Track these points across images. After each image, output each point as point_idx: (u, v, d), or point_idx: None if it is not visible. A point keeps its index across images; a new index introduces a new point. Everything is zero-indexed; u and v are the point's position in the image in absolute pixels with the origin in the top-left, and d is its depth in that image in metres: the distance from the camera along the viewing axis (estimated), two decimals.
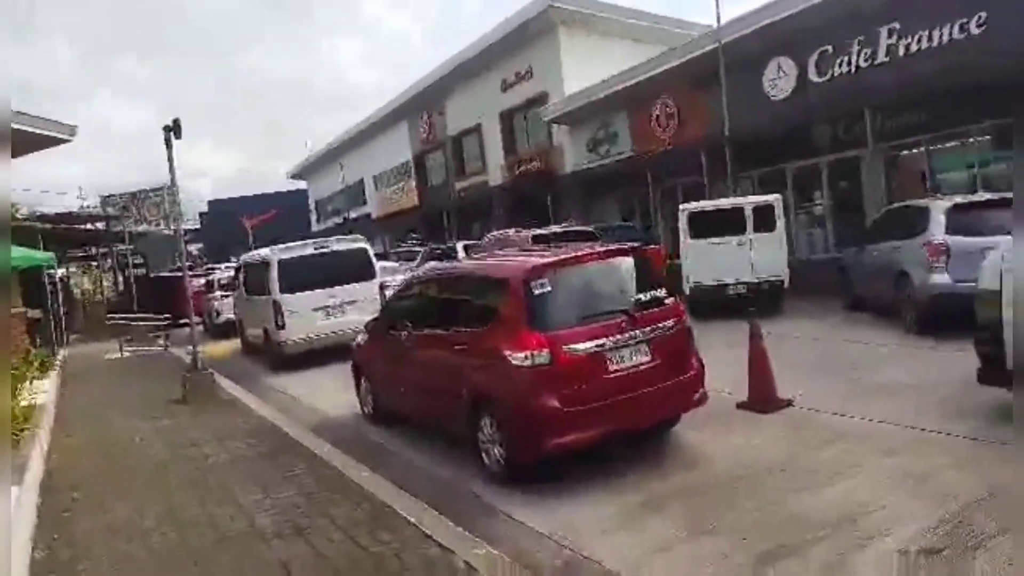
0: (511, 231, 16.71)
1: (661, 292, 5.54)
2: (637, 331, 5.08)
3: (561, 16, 24.25)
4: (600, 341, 4.95)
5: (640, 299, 5.35)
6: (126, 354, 16.01)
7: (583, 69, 24.16)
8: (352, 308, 12.02)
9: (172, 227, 58.44)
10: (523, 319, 4.97)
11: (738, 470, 5.06)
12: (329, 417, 8.21)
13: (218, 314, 18.24)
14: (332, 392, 9.61)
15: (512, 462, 5.09)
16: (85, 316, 24.71)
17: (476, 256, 9.74)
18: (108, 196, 50.53)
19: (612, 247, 5.89)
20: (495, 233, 17.22)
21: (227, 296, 18.42)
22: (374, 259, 12.45)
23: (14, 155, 20.27)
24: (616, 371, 4.99)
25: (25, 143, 18.66)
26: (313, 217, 55.73)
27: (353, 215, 44.39)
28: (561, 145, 25.75)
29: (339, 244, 12.22)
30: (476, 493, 5.21)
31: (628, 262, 5.61)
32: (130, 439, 7.60)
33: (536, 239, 16.77)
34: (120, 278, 28.84)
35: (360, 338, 7.88)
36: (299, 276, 11.79)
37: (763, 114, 17.08)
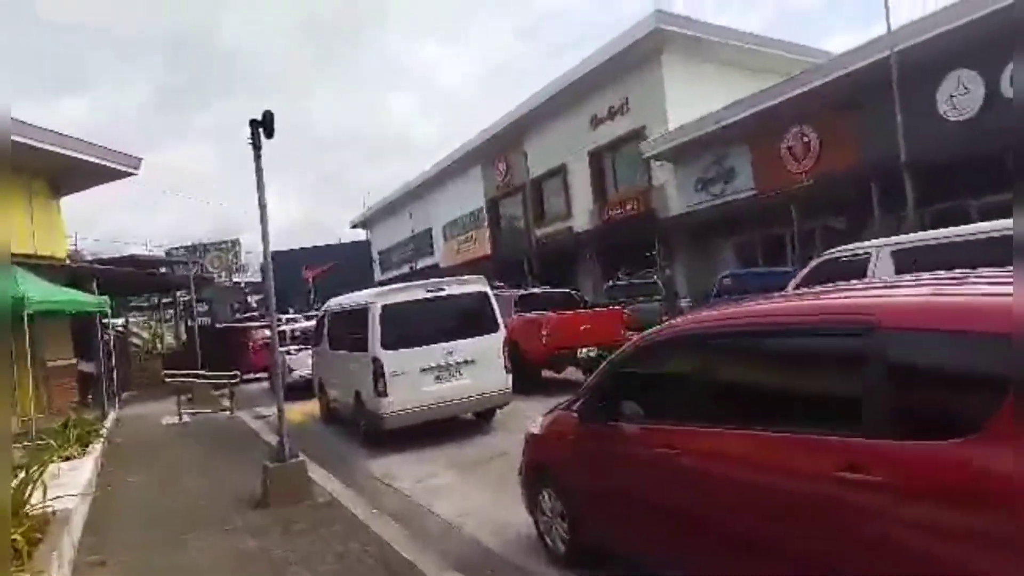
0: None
1: None
2: None
3: (667, 41, 21.91)
4: None
5: None
6: (185, 418, 13.61)
7: (688, 101, 21.76)
8: (469, 370, 9.33)
9: (235, 278, 58.00)
10: None
11: None
12: (486, 548, 5.38)
13: (290, 370, 15.81)
14: (463, 492, 6.88)
15: None
16: (142, 370, 22.68)
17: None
18: (172, 249, 50.09)
19: None
20: None
21: (301, 350, 16.01)
22: (496, 306, 9.77)
23: (81, 188, 18.73)
24: None
25: (90, 175, 17.06)
26: (376, 268, 54.12)
27: (420, 265, 42.49)
28: (663, 185, 23.12)
29: (454, 286, 9.60)
30: None
31: None
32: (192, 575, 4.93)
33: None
34: (182, 328, 27.00)
35: (538, 427, 5.12)
36: (406, 327, 9.21)
37: (936, 138, 14.12)
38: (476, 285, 9.80)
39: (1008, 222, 6.62)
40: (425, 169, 41.60)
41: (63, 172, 16.08)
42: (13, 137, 13.36)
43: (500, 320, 9.73)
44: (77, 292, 13.07)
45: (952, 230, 7.30)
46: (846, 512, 2.69)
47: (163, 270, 23.59)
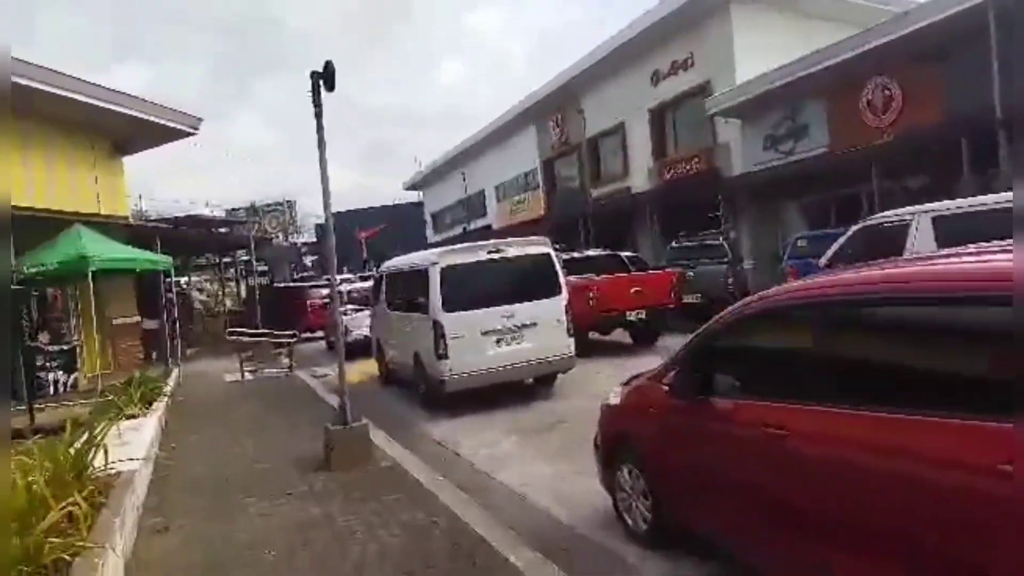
0: None
1: None
2: None
3: None
4: None
5: None
6: (247, 376, 13.74)
7: (757, 54, 20.54)
8: (531, 333, 9.00)
9: (291, 239, 58.93)
10: None
11: None
12: (556, 520, 5.09)
13: (347, 331, 15.78)
14: (526, 461, 6.60)
15: None
16: (205, 328, 23.19)
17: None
18: (232, 210, 50.95)
19: None
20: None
21: (358, 310, 15.98)
22: (560, 269, 9.37)
23: (145, 147, 18.96)
24: None
25: (151, 134, 17.17)
26: (429, 229, 54.20)
27: (473, 227, 42.26)
28: (728, 144, 22.07)
29: (517, 247, 9.22)
30: None
31: None
32: (256, 545, 4.78)
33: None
34: (243, 288, 27.44)
35: (617, 397, 4.74)
36: (467, 289, 8.91)
37: None
38: (539, 246, 9.40)
39: None
40: (478, 130, 41.05)
41: (126, 132, 16.21)
42: (75, 95, 13.50)
43: (563, 283, 9.33)
44: (140, 251, 13.21)
45: (993, 197, 6.94)
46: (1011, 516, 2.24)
47: (224, 230, 23.90)
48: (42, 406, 10.15)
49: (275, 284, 25.18)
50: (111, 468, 5.14)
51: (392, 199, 68.95)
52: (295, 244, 61.30)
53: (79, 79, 14.13)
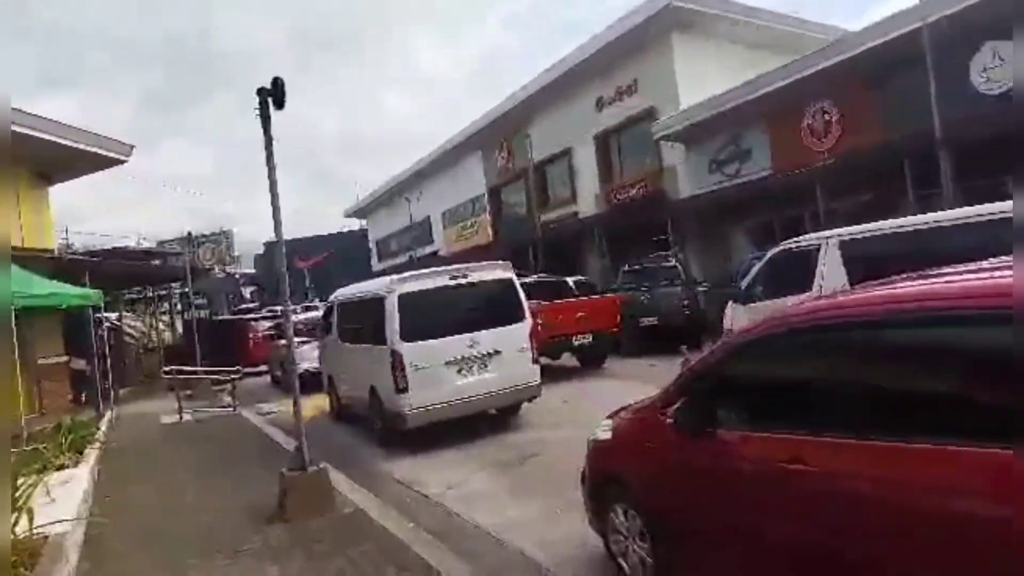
0: None
1: None
2: None
3: (678, 18, 21.05)
4: None
5: None
6: (186, 416, 12.88)
7: (699, 80, 21.00)
8: (495, 362, 8.63)
9: (228, 270, 56.99)
10: None
11: None
12: (541, 566, 4.70)
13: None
14: (501, 501, 6.20)
15: None
16: (139, 366, 21.90)
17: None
18: (163, 242, 48.97)
19: None
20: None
21: (304, 342, 15.28)
22: (522, 293, 9.05)
23: (73, 176, 17.82)
24: None
25: (81, 163, 16.20)
26: (374, 257, 53.32)
27: (420, 254, 41.71)
28: (674, 167, 22.37)
29: (479, 272, 8.86)
30: None
31: None
32: None
33: None
34: (179, 322, 26.16)
35: (605, 432, 4.41)
36: (427, 317, 8.50)
37: (970, 113, 13.40)
38: (501, 271, 9.07)
39: (958, 212, 6.98)
40: (423, 156, 40.74)
41: (53, 160, 15.26)
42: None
43: (527, 308, 9.01)
44: (67, 286, 12.29)
45: (902, 220, 7.40)
46: None
47: (156, 262, 22.75)
48: None
49: (214, 317, 24.03)
50: (38, 532, 4.51)
51: (335, 227, 67.89)
52: (232, 275, 59.31)
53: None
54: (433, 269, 9.00)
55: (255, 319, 22.30)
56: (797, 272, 7.72)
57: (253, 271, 68.13)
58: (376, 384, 8.89)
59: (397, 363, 8.21)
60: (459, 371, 8.45)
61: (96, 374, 14.09)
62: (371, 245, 54.28)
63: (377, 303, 8.75)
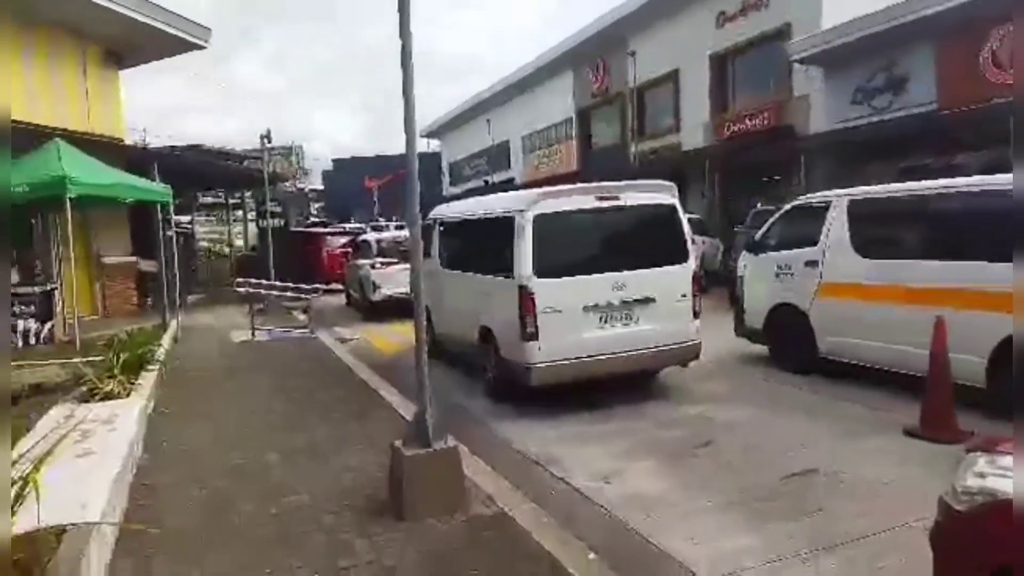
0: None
1: None
2: None
3: None
4: None
5: None
6: (259, 335, 11.56)
7: None
8: (647, 311, 6.75)
9: (298, 185, 56.32)
10: None
11: None
12: None
13: (375, 287, 13.56)
14: (685, 506, 4.46)
15: None
16: (210, 273, 20.94)
17: None
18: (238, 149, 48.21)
19: None
20: None
21: (388, 263, 13.73)
22: (687, 226, 7.08)
23: (146, 59, 16.32)
24: None
25: (153, 44, 14.60)
26: (446, 180, 51.59)
27: (496, 179, 39.73)
28: (806, 96, 19.49)
29: (634, 194, 6.89)
30: None
31: None
32: None
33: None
34: (253, 230, 25.12)
35: (989, 480, 2.46)
36: (566, 247, 6.68)
37: None
38: (662, 194, 7.08)
39: (962, 180, 6.70)
40: (508, 74, 38.18)
41: (124, 38, 13.74)
42: None
43: (691, 246, 7.04)
44: (135, 178, 10.89)
45: (907, 184, 7.37)
46: None
47: (233, 163, 21.47)
48: None
49: (290, 228, 22.81)
50: (50, 526, 2.95)
51: (403, 149, 66.19)
52: (302, 190, 58.64)
53: None
54: (576, 186, 7.02)
55: (331, 233, 20.92)
56: (808, 227, 7.76)
57: (321, 187, 67.50)
58: (492, 325, 7.17)
59: (526, 303, 6.42)
60: (601, 319, 6.62)
61: (164, 278, 12.87)
62: (444, 167, 52.42)
63: (502, 225, 6.92)
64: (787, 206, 8.95)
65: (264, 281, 13.48)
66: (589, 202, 6.69)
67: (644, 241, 6.95)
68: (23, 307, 9.72)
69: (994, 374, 5.69)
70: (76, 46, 13.11)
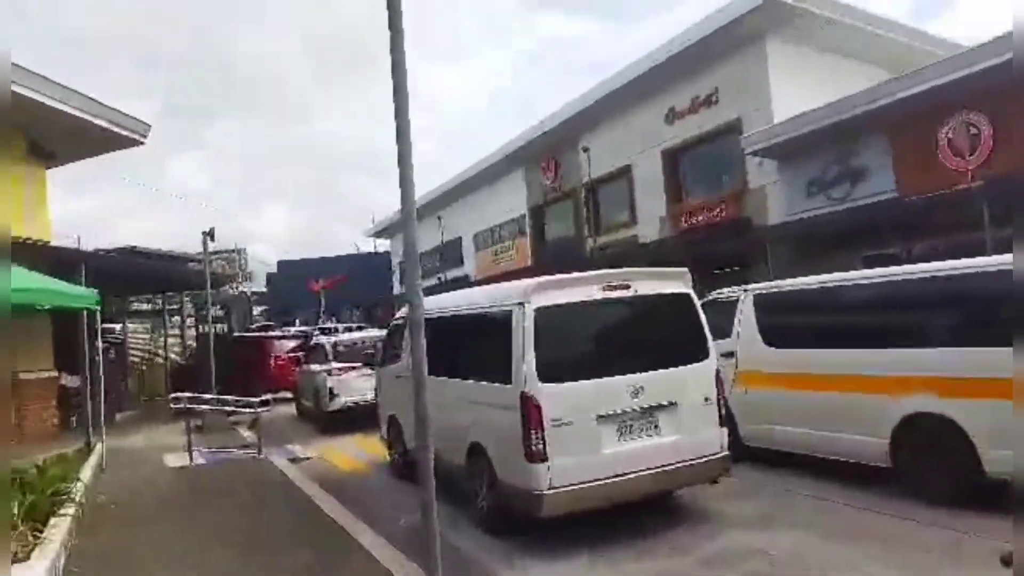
0: None
1: None
2: None
3: (775, 18, 18.53)
4: None
5: None
6: (197, 459, 10.03)
7: (794, 90, 18.51)
8: (669, 419, 5.79)
9: (241, 288, 54.59)
10: None
11: None
12: None
13: (332, 395, 12.24)
14: None
15: None
16: (141, 386, 19.06)
17: None
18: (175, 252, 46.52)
19: None
20: None
21: (346, 369, 12.48)
22: (703, 317, 6.24)
23: (79, 156, 15.02)
24: None
25: (96, 142, 13.63)
26: (396, 279, 50.70)
27: (450, 276, 39.09)
28: (762, 188, 19.65)
29: (645, 282, 6.06)
30: None
31: None
32: None
33: None
34: (187, 338, 23.41)
35: None
36: (573, 346, 5.78)
37: None
38: (675, 282, 6.28)
39: (860, 272, 7.29)
40: (456, 175, 38.34)
41: (59, 133, 12.69)
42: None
43: (710, 341, 6.19)
44: (60, 282, 9.57)
45: (808, 278, 7.88)
46: None
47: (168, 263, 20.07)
48: None
49: (232, 333, 21.24)
50: None
51: (356, 247, 65.41)
52: (243, 293, 56.80)
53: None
54: (578, 274, 6.13)
55: (279, 337, 19.48)
56: (723, 319, 8.11)
57: (264, 289, 65.60)
58: (485, 442, 6.07)
59: (530, 414, 5.39)
60: (620, 431, 5.62)
61: (88, 395, 11.28)
62: (394, 266, 51.63)
63: (494, 321, 5.97)
64: (704, 300, 9.27)
65: (204, 395, 11.98)
66: (595, 292, 5.82)
67: (659, 336, 6.09)
68: None
69: (896, 453, 6.14)
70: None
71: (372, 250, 61.61)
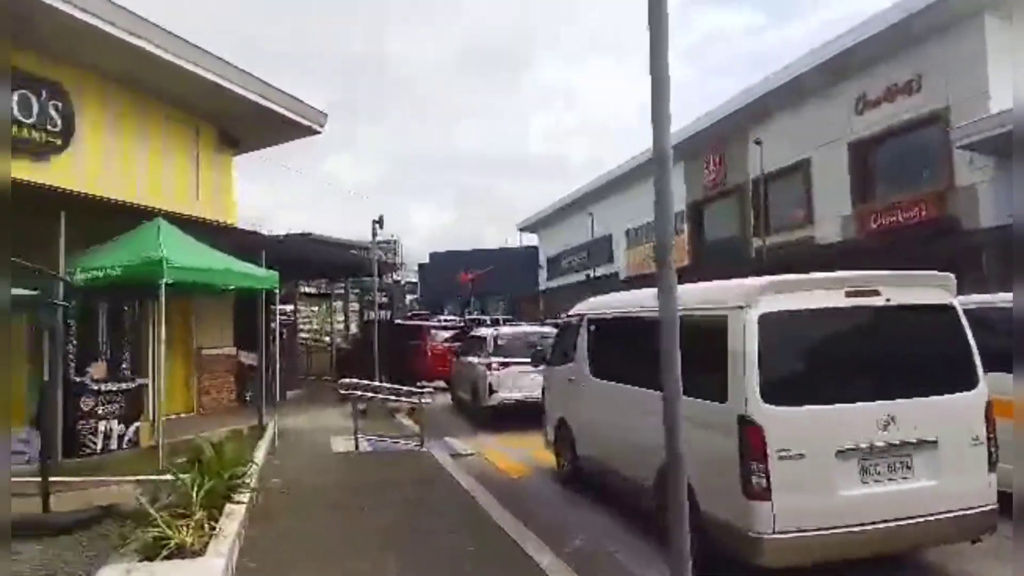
0: None
1: None
2: None
3: None
4: None
5: None
6: (363, 445, 9.96)
7: (1009, 77, 15.80)
8: (926, 459, 4.65)
9: (394, 278, 57.12)
10: None
11: None
12: None
13: (491, 391, 11.88)
14: None
15: None
16: (309, 365, 19.91)
17: None
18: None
19: None
20: None
21: (506, 364, 12.06)
22: (971, 336, 5.03)
23: (261, 144, 15.77)
24: None
25: (269, 127, 14.10)
26: (543, 274, 50.65)
27: (598, 273, 38.31)
28: (973, 187, 17.13)
29: (898, 289, 4.95)
30: None
31: None
32: None
33: None
34: (352, 323, 24.35)
35: None
36: (807, 363, 4.81)
37: None
38: (936, 290, 5.12)
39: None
40: (611, 169, 37.44)
41: (240, 120, 13.26)
42: (188, 65, 10.75)
43: (979, 364, 4.96)
44: (247, 264, 9.85)
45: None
46: None
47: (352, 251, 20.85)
48: (68, 479, 6.70)
49: (394, 320, 21.75)
50: None
51: (494, 243, 66.57)
52: (398, 282, 59.25)
53: (197, 47, 11.25)
54: (815, 276, 5.10)
55: (436, 326, 19.65)
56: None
57: (415, 280, 68.14)
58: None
59: (752, 442, 4.48)
60: (861, 470, 4.57)
61: (264, 373, 11.66)
62: (542, 261, 51.60)
63: (706, 326, 5.07)
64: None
65: (369, 382, 12.03)
66: (836, 298, 4.80)
67: (916, 356, 4.94)
68: (107, 406, 8.54)
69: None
70: (190, 125, 12.70)
71: (519, 244, 62.29)
